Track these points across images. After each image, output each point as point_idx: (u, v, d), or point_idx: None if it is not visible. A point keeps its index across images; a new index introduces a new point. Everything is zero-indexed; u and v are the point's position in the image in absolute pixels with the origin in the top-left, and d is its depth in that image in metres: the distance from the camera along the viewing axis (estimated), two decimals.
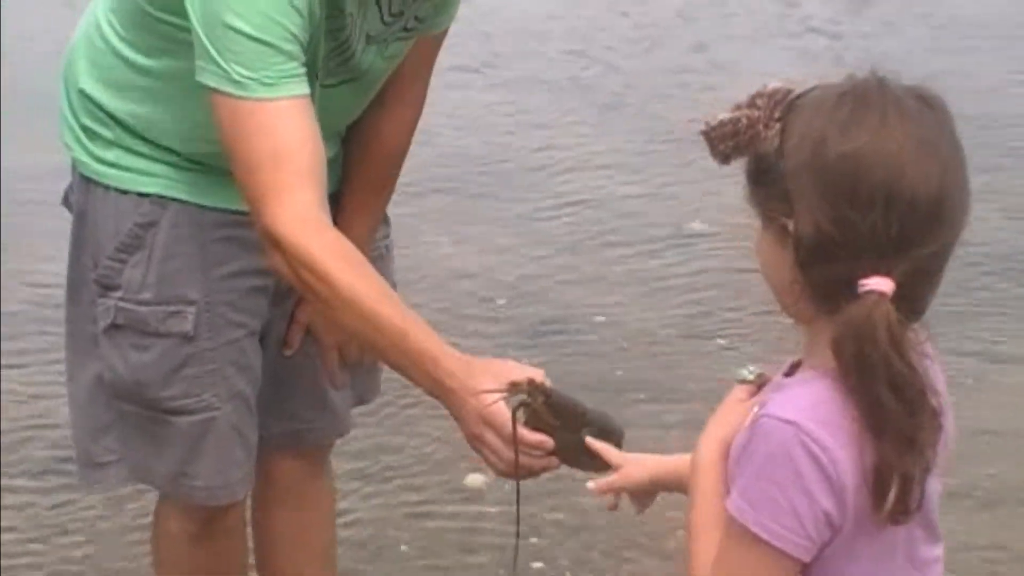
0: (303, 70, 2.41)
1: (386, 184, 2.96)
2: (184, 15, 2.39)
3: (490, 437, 2.30)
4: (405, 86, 2.87)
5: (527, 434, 2.27)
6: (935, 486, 1.85)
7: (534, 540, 4.07)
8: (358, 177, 2.81)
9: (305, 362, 2.94)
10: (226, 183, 2.57)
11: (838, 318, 1.74)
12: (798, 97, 1.82)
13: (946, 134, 1.78)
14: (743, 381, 2.06)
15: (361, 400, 3.17)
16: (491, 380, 2.30)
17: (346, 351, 2.95)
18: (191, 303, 2.64)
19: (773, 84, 1.85)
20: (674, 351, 5.47)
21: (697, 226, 6.69)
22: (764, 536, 1.79)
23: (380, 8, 2.56)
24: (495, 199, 7.22)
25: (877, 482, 1.75)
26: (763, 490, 1.80)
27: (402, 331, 2.32)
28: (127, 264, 2.62)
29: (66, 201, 2.85)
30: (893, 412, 1.74)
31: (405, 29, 2.67)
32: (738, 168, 1.86)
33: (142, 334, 2.64)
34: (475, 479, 4.43)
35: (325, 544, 3.27)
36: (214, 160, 2.59)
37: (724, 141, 1.85)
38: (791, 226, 1.77)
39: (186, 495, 2.82)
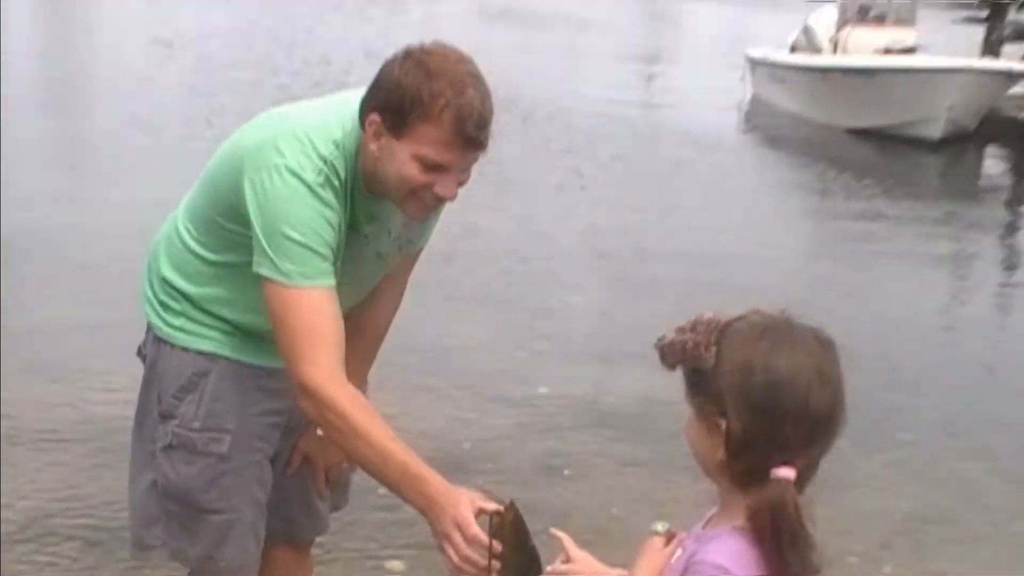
0: (332, 268, 2.97)
1: (373, 353, 3.53)
2: (245, 224, 2.99)
3: (456, 536, 2.73)
4: (393, 284, 3.47)
5: (483, 535, 2.71)
6: None
7: None
8: (353, 348, 3.11)
9: (300, 480, 3.49)
10: (261, 346, 3.21)
11: (753, 494, 2.16)
12: (727, 326, 2.20)
13: (836, 367, 2.19)
14: (656, 533, 2.40)
15: (335, 507, 3.68)
16: (467, 502, 2.76)
17: (331, 473, 3.53)
18: (228, 432, 3.21)
19: (708, 314, 2.25)
20: None
21: None
22: None
23: (390, 232, 3.21)
24: None
25: None
26: None
27: (404, 462, 2.85)
28: (183, 401, 3.19)
29: (139, 353, 3.38)
30: (794, 565, 2.18)
31: (399, 248, 3.31)
32: None
33: (190, 453, 3.20)
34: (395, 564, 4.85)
35: None
36: (254, 328, 3.19)
37: (673, 357, 2.25)
38: (723, 425, 2.17)
39: (212, 573, 3.34)
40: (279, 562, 3.55)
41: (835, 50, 24.06)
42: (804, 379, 2.18)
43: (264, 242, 2.96)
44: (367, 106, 2.99)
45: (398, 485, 2.91)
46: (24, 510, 5.40)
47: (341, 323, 3.03)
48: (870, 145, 20.97)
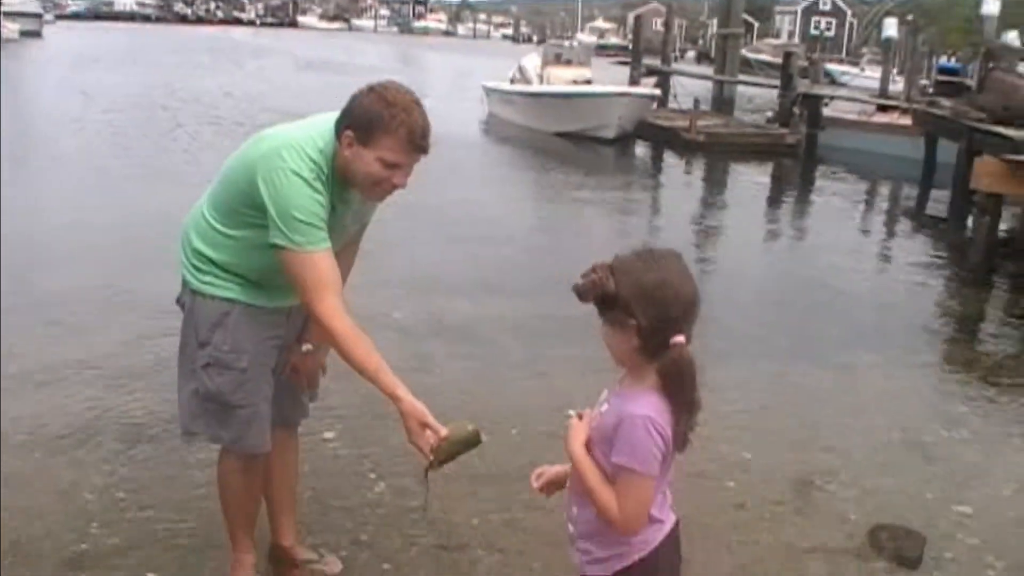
0: (327, 235, 3.01)
1: (344, 282, 3.26)
2: (258, 209, 3.01)
3: (423, 435, 2.84)
4: (352, 245, 3.48)
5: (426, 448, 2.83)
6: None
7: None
8: None
9: (290, 382, 3.49)
10: (265, 293, 3.23)
11: (661, 360, 2.27)
12: (614, 262, 2.30)
13: (687, 268, 2.33)
14: (569, 416, 2.45)
15: (311, 399, 3.66)
16: (418, 418, 2.85)
17: (310, 376, 3.54)
18: (247, 352, 3.23)
19: (598, 261, 2.32)
20: None
21: None
22: (642, 470, 2.28)
23: (353, 211, 3.22)
24: None
25: (679, 437, 2.31)
26: (636, 448, 2.27)
27: (384, 377, 2.92)
28: (215, 333, 3.21)
29: (178, 302, 3.35)
30: (689, 403, 2.31)
31: (358, 220, 3.35)
32: None
33: (222, 367, 3.22)
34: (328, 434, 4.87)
35: (294, 474, 3.77)
36: (259, 280, 3.20)
37: (587, 294, 2.30)
38: (633, 323, 2.26)
39: (241, 449, 3.34)
40: (277, 439, 3.50)
41: (541, 81, 24.45)
42: (676, 278, 2.31)
43: (279, 222, 2.98)
44: (343, 125, 3.05)
45: (379, 386, 2.95)
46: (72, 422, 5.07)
47: (338, 271, 3.08)
48: (570, 142, 21.63)
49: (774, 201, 17.12)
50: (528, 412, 5.42)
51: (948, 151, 18.86)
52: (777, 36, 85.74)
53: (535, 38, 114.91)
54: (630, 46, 37.93)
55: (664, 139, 22.08)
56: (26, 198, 11.13)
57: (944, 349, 8.03)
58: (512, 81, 26.05)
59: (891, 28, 29.76)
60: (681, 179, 19.50)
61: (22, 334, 6.22)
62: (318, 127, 3.12)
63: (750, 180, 19.08)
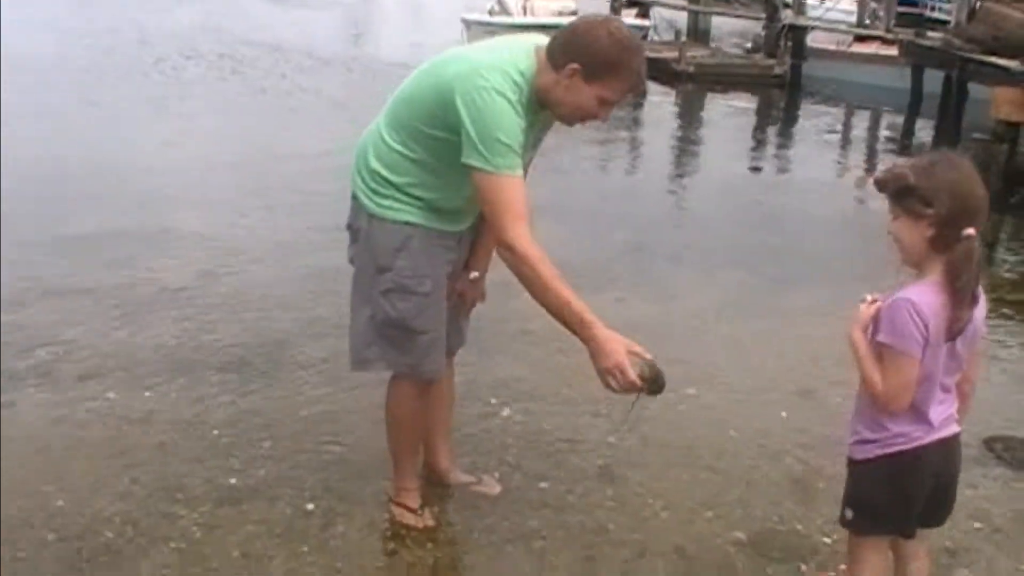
0: (522, 163, 2.98)
1: None
2: (447, 130, 2.95)
3: (619, 374, 2.79)
4: None
5: (636, 379, 2.79)
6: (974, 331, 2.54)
7: None
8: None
9: (453, 309, 3.42)
10: (443, 217, 3.18)
11: (953, 253, 2.41)
12: (912, 162, 2.53)
13: (976, 172, 2.49)
14: (863, 300, 2.61)
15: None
16: (624, 349, 2.80)
17: (471, 304, 3.54)
18: (429, 276, 3.18)
19: (895, 161, 2.60)
20: None
21: None
22: (900, 348, 2.46)
23: (533, 137, 3.15)
24: None
25: (953, 326, 2.45)
26: (895, 327, 2.45)
27: (578, 311, 2.84)
28: (397, 258, 3.14)
29: (350, 228, 3.29)
30: (970, 294, 2.46)
31: (533, 146, 3.24)
32: None
33: (406, 292, 3.16)
34: None
35: (451, 399, 3.76)
36: (439, 204, 3.15)
37: (889, 185, 2.51)
38: (931, 212, 2.42)
39: (419, 375, 3.30)
40: None
41: (525, 13, 24.09)
42: (971, 177, 2.48)
43: (479, 143, 2.89)
44: (566, 54, 2.96)
45: (572, 326, 2.87)
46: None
47: (528, 200, 2.99)
48: None
49: (768, 129, 17.17)
50: None
51: (934, 82, 19.04)
52: None
53: None
54: None
55: (652, 70, 21.80)
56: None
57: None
58: (490, 13, 25.67)
59: None
60: (672, 109, 19.41)
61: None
62: (516, 50, 3.04)
63: (739, 109, 19.05)
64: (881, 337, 2.49)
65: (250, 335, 5.17)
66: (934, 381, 2.51)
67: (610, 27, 2.99)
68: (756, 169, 13.15)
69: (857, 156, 15.37)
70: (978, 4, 17.59)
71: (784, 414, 4.67)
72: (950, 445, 2.62)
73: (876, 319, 2.52)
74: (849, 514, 2.73)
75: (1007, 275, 7.94)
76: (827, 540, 3.56)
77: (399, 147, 3.12)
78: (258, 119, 13.17)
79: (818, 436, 4.43)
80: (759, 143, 15.64)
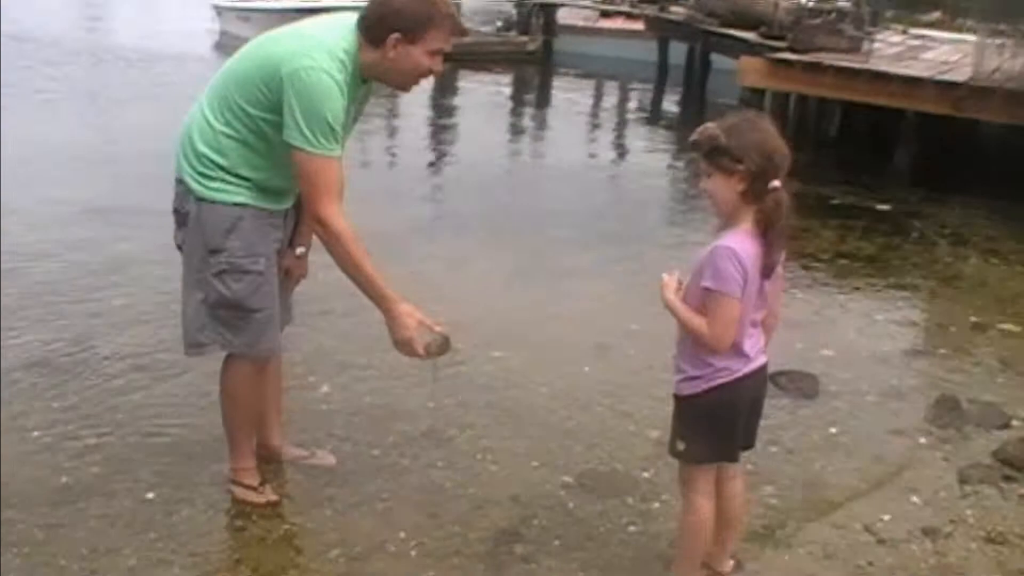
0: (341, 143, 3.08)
1: None
2: (270, 111, 3.01)
3: (408, 347, 3.10)
4: None
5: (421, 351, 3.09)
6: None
7: None
8: None
9: (283, 286, 3.48)
10: (270, 196, 3.24)
11: (763, 203, 2.66)
12: (721, 124, 2.71)
13: (776, 130, 2.73)
14: (664, 276, 2.89)
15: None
16: (417, 323, 3.08)
17: (295, 282, 3.62)
18: (262, 255, 3.23)
19: (707, 124, 2.74)
20: None
21: None
22: (724, 290, 2.69)
23: (353, 114, 3.25)
24: None
25: (767, 267, 2.73)
26: (718, 272, 2.68)
27: (380, 287, 3.08)
28: (229, 239, 3.16)
29: (176, 213, 3.26)
30: (781, 238, 2.72)
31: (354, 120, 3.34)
32: None
33: (240, 272, 3.19)
34: None
35: (279, 376, 3.77)
36: (265, 184, 3.20)
37: (702, 145, 2.72)
38: (741, 167, 2.65)
39: (256, 353, 3.35)
40: None
41: None
42: (773, 134, 2.73)
43: (302, 123, 2.96)
44: (382, 28, 3.05)
45: (370, 295, 3.12)
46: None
47: (344, 179, 3.12)
48: None
49: (526, 104, 17.69)
50: None
51: (679, 54, 20.14)
52: None
53: None
54: None
55: None
56: None
57: None
58: None
59: None
60: (427, 86, 19.56)
61: None
62: (339, 29, 3.10)
63: (497, 84, 19.43)
64: (706, 282, 2.71)
65: (49, 334, 4.98)
66: (747, 318, 2.79)
67: None
68: (515, 141, 13.58)
69: (610, 126, 16.06)
70: None
71: (586, 368, 4.99)
72: (761, 373, 2.92)
73: (699, 267, 2.77)
74: (681, 445, 2.96)
75: None
76: (646, 475, 3.91)
77: (224, 128, 3.14)
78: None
79: (620, 385, 4.78)
80: (520, 117, 16.13)
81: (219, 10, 25.24)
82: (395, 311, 3.08)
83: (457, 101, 17.31)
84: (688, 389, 2.88)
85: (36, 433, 4.00)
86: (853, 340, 5.77)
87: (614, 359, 5.15)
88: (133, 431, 4.04)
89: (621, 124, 16.19)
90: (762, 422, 4.22)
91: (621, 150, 13.47)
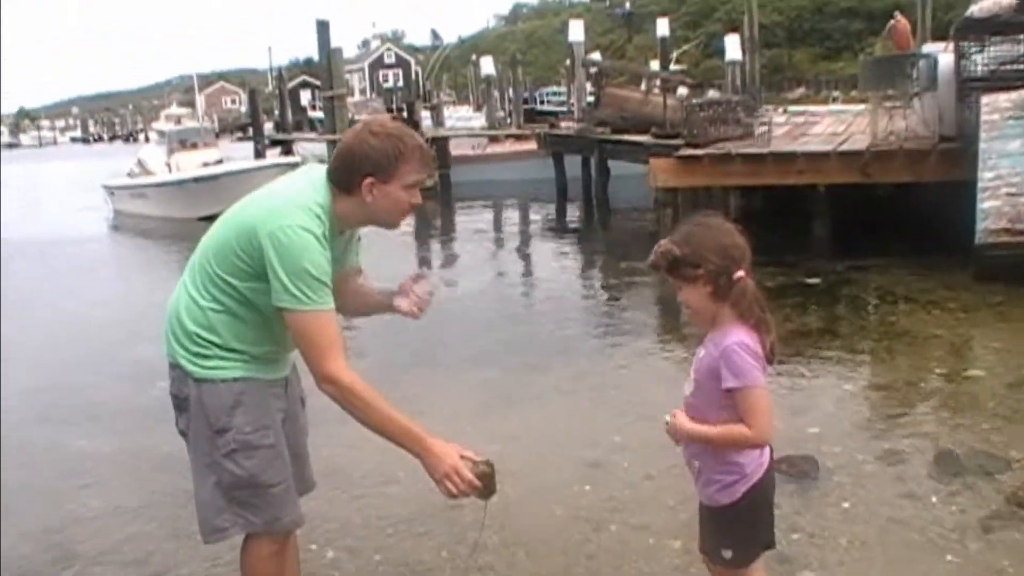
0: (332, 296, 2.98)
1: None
2: (250, 278, 2.95)
3: (454, 476, 2.90)
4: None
5: (474, 478, 2.92)
6: None
7: None
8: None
9: (298, 457, 3.32)
10: (269, 366, 3.15)
11: (733, 296, 2.68)
12: (674, 236, 2.75)
13: (728, 223, 2.78)
14: (667, 417, 2.85)
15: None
16: (457, 454, 2.93)
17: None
18: (269, 427, 3.12)
19: (661, 241, 2.77)
20: None
21: None
22: (752, 383, 2.68)
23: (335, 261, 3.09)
24: None
25: (767, 354, 2.73)
26: (740, 369, 2.66)
27: (406, 426, 2.94)
28: (234, 416, 3.05)
29: (175, 398, 3.12)
30: (764, 322, 2.73)
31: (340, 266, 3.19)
32: None
33: (250, 449, 3.06)
34: None
35: (297, 550, 3.50)
36: (262, 354, 3.11)
37: (660, 263, 2.75)
38: (700, 272, 2.68)
39: (279, 528, 3.18)
40: None
41: (170, 170, 23.56)
42: (724, 229, 2.77)
43: (288, 281, 2.89)
44: (353, 174, 3.01)
45: (403, 443, 2.97)
46: None
47: (341, 333, 3.03)
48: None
49: (434, 236, 17.75)
50: None
51: (573, 167, 20.65)
52: (352, 94, 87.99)
53: (106, 136, 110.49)
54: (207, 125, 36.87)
55: None
56: None
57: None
58: (130, 175, 25.02)
59: (488, 66, 31.71)
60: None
61: None
62: (311, 183, 3.06)
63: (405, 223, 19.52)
64: (730, 384, 2.67)
65: (29, 546, 4.68)
66: None
67: (370, 128, 3.06)
68: (436, 274, 13.61)
69: (524, 244, 16.29)
70: (600, 91, 19.27)
71: (587, 487, 4.91)
72: (772, 456, 2.90)
73: (706, 374, 2.75)
74: (728, 554, 2.88)
75: None
76: None
77: (212, 304, 3.06)
78: None
79: (626, 499, 4.72)
80: (432, 250, 16.22)
81: (111, 190, 25.16)
82: (431, 447, 2.93)
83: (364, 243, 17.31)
84: (727, 498, 2.81)
85: None
86: (833, 413, 5.82)
87: (610, 474, 5.07)
88: None
89: (534, 240, 16.44)
90: (776, 511, 4.31)
91: (543, 267, 13.55)
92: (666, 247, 2.74)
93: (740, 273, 2.71)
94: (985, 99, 9.50)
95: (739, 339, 2.70)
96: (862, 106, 18.10)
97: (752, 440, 2.73)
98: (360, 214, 3.08)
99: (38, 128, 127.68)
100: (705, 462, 2.84)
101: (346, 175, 3.03)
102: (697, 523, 3.00)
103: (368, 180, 3.00)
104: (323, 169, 3.12)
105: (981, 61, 10.53)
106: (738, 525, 2.85)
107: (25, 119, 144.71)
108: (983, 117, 9.43)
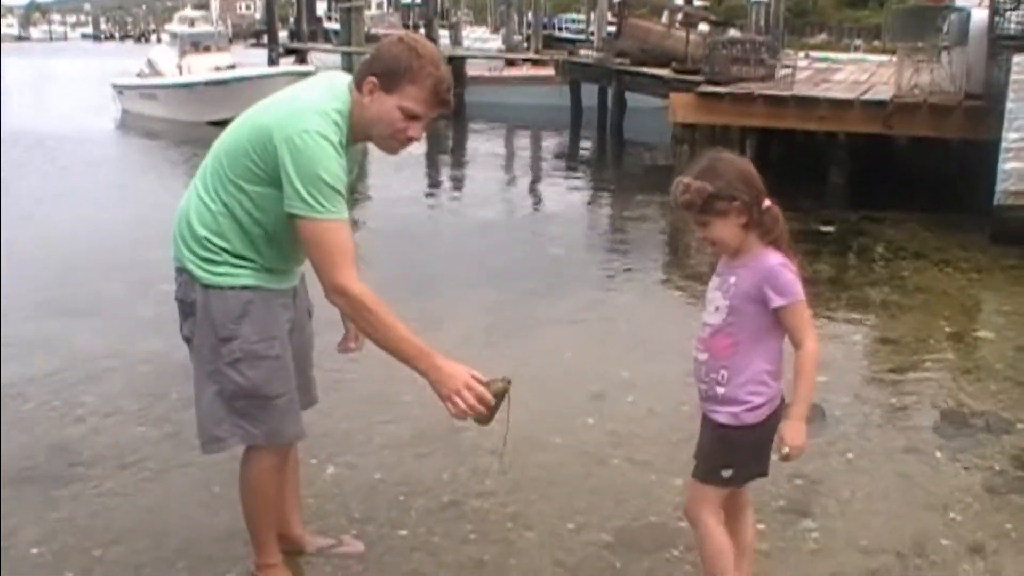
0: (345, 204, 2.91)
1: None
2: (263, 183, 2.85)
3: (465, 393, 2.80)
4: None
5: (486, 393, 2.83)
6: None
7: None
8: None
9: (301, 367, 3.27)
10: (277, 276, 3.08)
11: (766, 225, 2.74)
12: (696, 170, 2.76)
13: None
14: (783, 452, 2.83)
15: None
16: (467, 372, 2.84)
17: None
18: (276, 338, 3.05)
19: (681, 176, 2.76)
20: None
21: None
22: (802, 297, 2.76)
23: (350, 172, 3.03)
24: None
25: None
26: (791, 285, 2.74)
27: (416, 344, 2.84)
28: (241, 325, 2.98)
29: (181, 303, 3.06)
30: (791, 247, 2.81)
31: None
32: None
33: (255, 359, 3.00)
34: None
35: (297, 463, 3.55)
36: (271, 264, 3.04)
37: (693, 202, 2.73)
38: (737, 203, 2.71)
39: (279, 440, 3.15)
40: None
41: (181, 72, 23.32)
42: (741, 160, 2.84)
43: (302, 189, 2.80)
44: (366, 72, 2.92)
45: (411, 359, 2.86)
46: None
47: (353, 241, 2.94)
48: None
49: (444, 157, 17.60)
50: None
51: (589, 96, 20.40)
52: (368, 7, 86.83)
53: (117, 35, 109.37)
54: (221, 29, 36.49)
55: None
56: None
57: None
58: (139, 75, 24.79)
59: None
60: None
61: None
62: (332, 88, 2.96)
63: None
64: (784, 300, 2.72)
65: (25, 439, 4.67)
66: None
67: (403, 36, 2.98)
68: (451, 198, 13.54)
69: (537, 171, 16.15)
70: (622, 22, 18.98)
71: (590, 420, 4.88)
72: None
73: (745, 295, 2.77)
74: (727, 473, 2.91)
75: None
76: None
77: (222, 208, 2.97)
78: None
79: (629, 434, 4.69)
80: (443, 171, 16.09)
81: (119, 89, 24.91)
82: (440, 364, 2.84)
83: (375, 161, 17.20)
84: (753, 418, 2.83)
85: (35, 550, 3.72)
86: (841, 364, 5.75)
87: (614, 408, 5.04)
88: (143, 537, 3.77)
89: (546, 168, 16.30)
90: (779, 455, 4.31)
91: (554, 196, 13.48)
92: (698, 185, 2.72)
93: (768, 202, 2.76)
94: (1017, 58, 9.29)
95: (780, 259, 2.76)
96: (884, 57, 17.88)
97: (816, 353, 2.78)
98: (362, 119, 2.94)
99: (49, 22, 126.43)
100: (735, 378, 2.82)
101: (361, 73, 2.94)
102: None
103: (371, 79, 2.89)
104: (344, 76, 3.02)
105: (1016, 19, 10.31)
106: (748, 446, 2.89)
107: (36, 12, 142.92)
108: (1013, 76, 9.24)
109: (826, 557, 3.64)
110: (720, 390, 2.86)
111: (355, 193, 4.06)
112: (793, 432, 2.78)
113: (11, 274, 7.67)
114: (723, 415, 2.87)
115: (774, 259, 2.76)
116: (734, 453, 2.91)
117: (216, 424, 3.11)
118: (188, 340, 3.14)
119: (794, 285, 2.75)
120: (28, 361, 5.79)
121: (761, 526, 3.71)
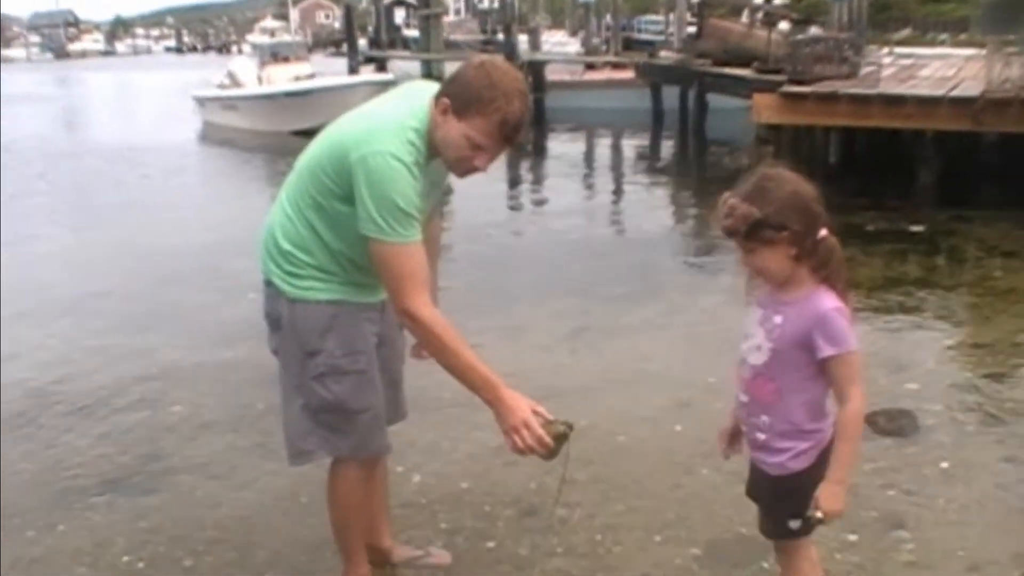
0: (420, 226, 2.87)
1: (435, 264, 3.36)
2: (344, 202, 2.84)
3: (523, 431, 2.77)
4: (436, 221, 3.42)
5: (544, 435, 2.77)
6: None
7: None
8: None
9: (391, 382, 3.32)
10: (363, 290, 3.08)
11: (819, 258, 2.48)
12: (744, 193, 2.46)
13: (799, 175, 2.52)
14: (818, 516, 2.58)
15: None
16: (529, 409, 2.79)
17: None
18: (361, 352, 3.07)
19: (727, 197, 2.48)
20: None
21: None
22: (855, 348, 2.49)
23: (430, 184, 2.98)
24: None
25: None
26: (845, 334, 2.47)
27: (483, 373, 2.82)
28: (326, 339, 3.01)
29: (268, 317, 3.10)
30: (847, 285, 2.56)
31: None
32: None
33: (340, 374, 3.03)
34: None
35: (386, 475, 3.62)
36: (357, 279, 3.04)
37: (737, 226, 2.46)
38: (786, 233, 2.43)
39: (365, 454, 3.19)
40: None
41: (261, 83, 23.71)
42: (801, 184, 2.49)
43: (374, 211, 2.79)
44: (443, 91, 2.89)
45: (476, 388, 2.85)
46: None
47: (427, 264, 2.93)
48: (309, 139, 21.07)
49: (528, 162, 17.57)
50: None
51: (671, 98, 20.28)
52: (447, 14, 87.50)
53: (199, 47, 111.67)
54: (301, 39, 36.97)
55: None
56: None
57: None
58: (220, 87, 25.26)
59: None
60: None
61: None
62: (412, 104, 2.94)
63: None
64: (836, 350, 2.48)
65: (115, 449, 4.82)
66: None
67: (483, 62, 2.90)
68: (533, 204, 13.54)
69: (614, 172, 16.07)
70: (702, 22, 18.83)
71: (678, 428, 4.84)
72: None
73: (794, 340, 2.55)
74: (796, 524, 2.71)
75: None
76: None
77: (305, 223, 3.00)
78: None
79: (715, 444, 4.61)
80: (526, 177, 16.08)
81: (200, 101, 25.42)
82: (504, 397, 2.82)
83: None
84: (800, 463, 2.64)
85: (126, 558, 3.82)
86: (933, 369, 5.64)
87: (701, 416, 4.96)
88: (229, 547, 3.86)
89: (627, 171, 16.23)
90: (872, 465, 4.23)
91: (634, 199, 13.42)
92: (744, 209, 2.44)
93: (824, 232, 2.49)
94: None
95: (835, 304, 2.50)
96: (971, 51, 17.43)
97: (861, 413, 2.55)
98: (433, 138, 2.91)
99: (133, 37, 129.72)
100: (777, 425, 2.63)
101: (440, 90, 2.92)
102: None
103: (445, 100, 2.86)
104: (427, 89, 3.00)
105: None
106: (804, 492, 2.63)
107: (120, 27, 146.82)
108: None
109: (922, 569, 3.56)
110: (761, 436, 2.70)
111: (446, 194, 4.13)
112: (830, 497, 2.55)
113: (100, 282, 7.88)
114: (771, 467, 2.71)
115: (828, 303, 2.50)
116: (792, 502, 2.69)
117: (302, 437, 3.15)
118: (276, 353, 3.18)
119: (847, 333, 2.49)
120: (117, 370, 5.94)
121: (853, 537, 3.68)
